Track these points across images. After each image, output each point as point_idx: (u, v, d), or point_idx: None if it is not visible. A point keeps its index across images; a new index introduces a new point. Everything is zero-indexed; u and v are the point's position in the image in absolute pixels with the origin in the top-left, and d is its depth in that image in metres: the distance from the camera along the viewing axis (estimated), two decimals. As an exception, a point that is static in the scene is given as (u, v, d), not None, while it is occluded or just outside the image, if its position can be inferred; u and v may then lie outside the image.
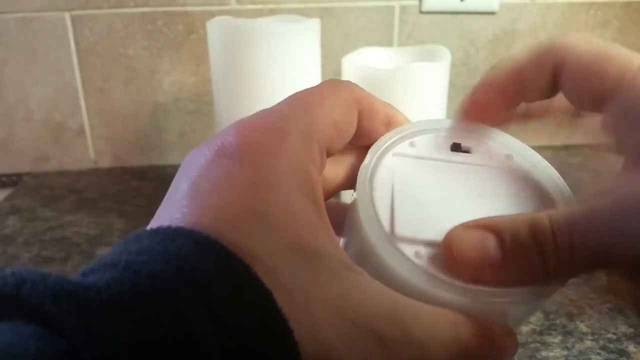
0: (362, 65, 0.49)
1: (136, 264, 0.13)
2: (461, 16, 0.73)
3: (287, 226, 0.15)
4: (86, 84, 0.73)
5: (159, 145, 0.77)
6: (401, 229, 0.18)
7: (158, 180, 0.72)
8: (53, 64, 0.72)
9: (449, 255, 0.17)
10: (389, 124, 0.21)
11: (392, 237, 0.18)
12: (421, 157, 0.21)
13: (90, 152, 0.77)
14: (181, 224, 0.15)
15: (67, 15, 0.70)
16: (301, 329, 0.14)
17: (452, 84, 0.53)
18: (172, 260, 0.13)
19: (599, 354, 0.37)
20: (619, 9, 0.75)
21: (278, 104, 0.18)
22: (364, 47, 0.54)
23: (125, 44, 0.72)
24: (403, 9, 0.73)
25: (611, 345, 0.38)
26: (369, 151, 0.20)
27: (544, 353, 0.37)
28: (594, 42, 0.19)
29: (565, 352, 0.37)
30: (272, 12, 0.71)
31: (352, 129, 0.20)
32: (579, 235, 0.16)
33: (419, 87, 0.48)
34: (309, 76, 0.49)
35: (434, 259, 0.18)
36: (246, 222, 0.15)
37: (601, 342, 0.38)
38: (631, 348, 0.37)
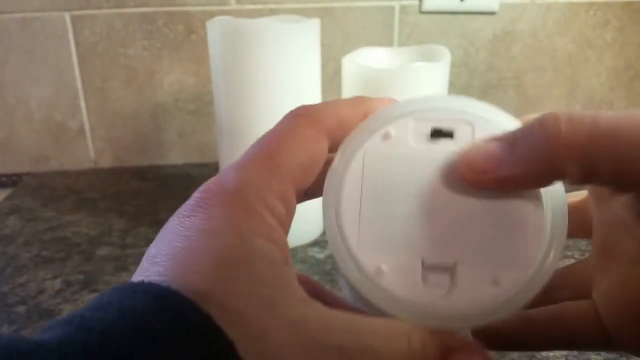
0: (362, 65, 0.49)
1: (91, 321, 0.13)
2: (461, 16, 0.73)
3: (248, 268, 0.15)
4: (86, 84, 0.73)
5: (159, 145, 0.77)
6: (364, 245, 0.18)
7: (158, 180, 0.72)
8: (53, 64, 0.72)
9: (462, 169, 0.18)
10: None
11: (354, 252, 0.18)
12: (394, 152, 0.19)
13: (90, 152, 0.77)
14: (141, 279, 0.15)
15: (67, 15, 0.70)
16: None
17: (452, 84, 0.53)
18: (127, 316, 0.13)
19: (599, 353, 0.37)
20: (619, 9, 0.75)
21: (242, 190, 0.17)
22: (364, 47, 0.54)
23: (125, 44, 0.72)
24: (403, 9, 0.73)
25: (611, 345, 0.38)
26: (337, 152, 0.19)
27: (544, 353, 0.37)
28: None
29: (565, 352, 0.37)
30: (272, 12, 0.71)
31: (323, 160, 0.19)
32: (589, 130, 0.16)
33: (419, 87, 0.48)
34: (309, 76, 0.49)
35: (396, 275, 0.17)
36: (206, 270, 0.15)
37: (601, 342, 0.38)
38: (631, 348, 0.37)
